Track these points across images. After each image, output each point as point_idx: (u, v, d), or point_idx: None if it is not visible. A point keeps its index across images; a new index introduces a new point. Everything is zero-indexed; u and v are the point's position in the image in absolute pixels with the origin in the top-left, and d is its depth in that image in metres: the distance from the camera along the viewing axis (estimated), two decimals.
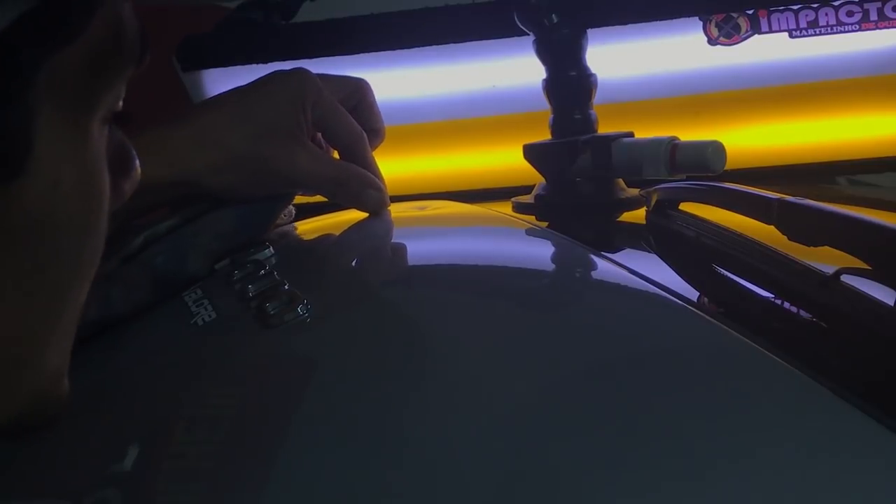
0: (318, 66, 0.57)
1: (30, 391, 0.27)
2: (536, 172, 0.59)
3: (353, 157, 0.56)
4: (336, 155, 0.57)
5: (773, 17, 0.65)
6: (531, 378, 0.34)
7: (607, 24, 0.64)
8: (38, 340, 0.26)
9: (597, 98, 0.58)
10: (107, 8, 0.25)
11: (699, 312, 0.36)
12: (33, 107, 0.23)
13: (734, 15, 0.65)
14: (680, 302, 0.37)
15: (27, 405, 0.27)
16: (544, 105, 0.58)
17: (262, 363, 0.42)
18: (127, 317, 0.50)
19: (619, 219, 0.56)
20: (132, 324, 0.52)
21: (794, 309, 0.40)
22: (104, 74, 0.26)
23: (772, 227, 0.41)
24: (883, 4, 0.63)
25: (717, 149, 0.49)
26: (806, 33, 0.65)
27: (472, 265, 0.50)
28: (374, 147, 0.58)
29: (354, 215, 0.60)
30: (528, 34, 0.57)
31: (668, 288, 0.39)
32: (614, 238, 0.57)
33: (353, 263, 0.53)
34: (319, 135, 0.56)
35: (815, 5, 0.64)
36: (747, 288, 0.43)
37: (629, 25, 0.65)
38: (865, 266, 0.36)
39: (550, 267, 0.49)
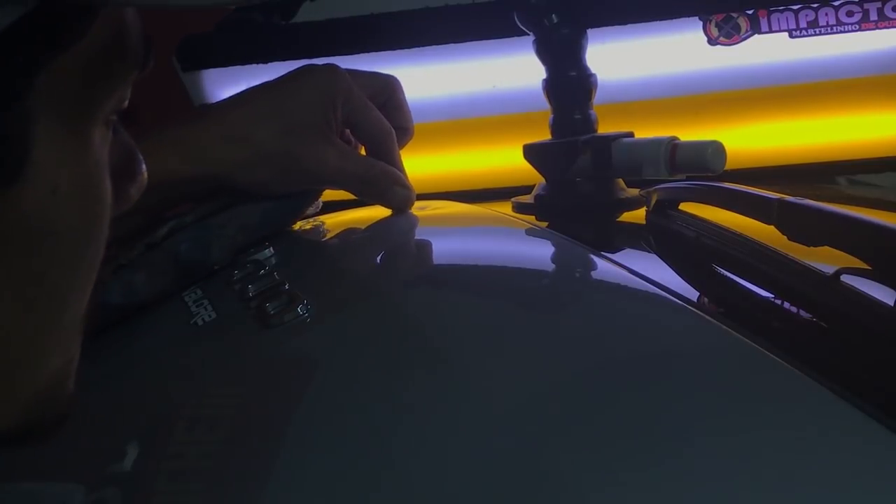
0: None
1: (31, 397, 0.27)
2: (536, 172, 0.59)
3: (380, 154, 0.56)
4: (363, 151, 0.57)
5: (773, 17, 0.65)
6: (531, 378, 0.34)
7: (607, 24, 0.64)
8: (40, 346, 0.26)
9: (597, 98, 0.58)
10: (108, 12, 0.25)
11: (699, 312, 0.36)
12: (32, 111, 0.23)
13: (734, 15, 0.65)
14: (680, 302, 0.37)
15: (29, 411, 0.27)
16: (544, 105, 0.58)
17: (261, 363, 0.42)
18: (149, 303, 0.51)
19: (619, 219, 0.56)
20: (132, 323, 0.52)
21: (794, 309, 0.40)
22: (105, 79, 0.26)
23: (772, 227, 0.41)
24: (883, 4, 0.63)
25: (717, 149, 0.49)
26: (806, 33, 0.65)
27: (472, 265, 0.50)
28: (402, 145, 0.58)
29: (354, 215, 0.60)
30: (528, 34, 0.57)
31: (668, 288, 0.39)
32: (614, 238, 0.57)
33: (354, 263, 0.53)
34: (348, 131, 0.57)
35: (815, 5, 0.64)
36: (747, 288, 0.43)
37: (629, 25, 0.65)
38: (865, 266, 0.36)
39: (550, 267, 0.49)
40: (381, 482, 0.31)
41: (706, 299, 0.41)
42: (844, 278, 0.37)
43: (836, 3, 0.64)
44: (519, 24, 0.56)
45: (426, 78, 0.69)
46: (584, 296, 0.44)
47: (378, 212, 0.59)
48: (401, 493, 0.30)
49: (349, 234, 0.57)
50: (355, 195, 0.57)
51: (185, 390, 0.42)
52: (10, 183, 0.23)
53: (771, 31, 0.65)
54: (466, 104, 0.70)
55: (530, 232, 0.52)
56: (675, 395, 0.31)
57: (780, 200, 0.40)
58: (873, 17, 0.63)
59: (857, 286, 0.37)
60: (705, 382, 0.32)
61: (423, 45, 0.68)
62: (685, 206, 0.51)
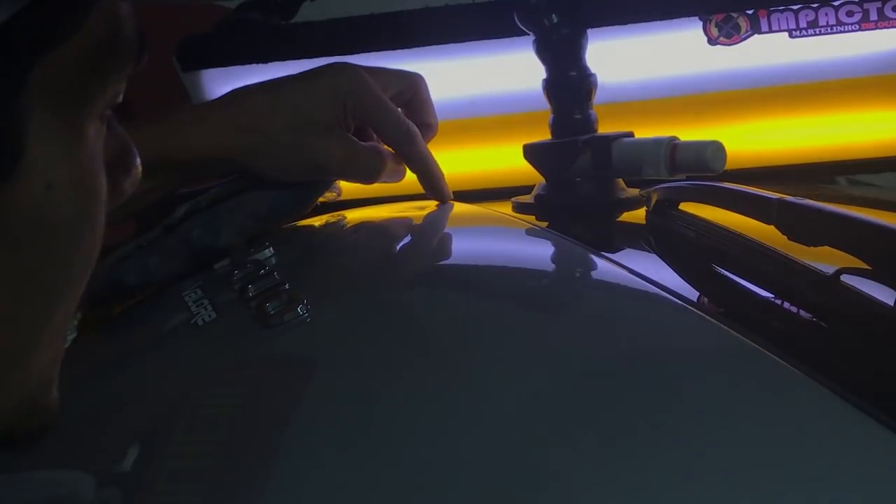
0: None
1: (19, 396, 0.27)
2: (536, 172, 0.59)
3: (401, 152, 0.58)
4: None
5: (773, 17, 0.65)
6: (531, 379, 0.34)
7: (607, 24, 0.64)
8: (30, 343, 0.26)
9: (597, 98, 0.58)
10: (103, 6, 0.25)
11: (699, 312, 0.36)
12: (26, 107, 0.23)
13: (734, 15, 0.65)
14: (680, 302, 0.37)
15: (16, 412, 0.27)
16: (544, 105, 0.58)
17: (261, 363, 0.42)
18: (163, 284, 0.53)
19: (619, 219, 0.56)
20: (133, 323, 0.52)
21: (794, 309, 0.40)
22: (100, 74, 0.25)
23: (772, 227, 0.41)
24: (883, 4, 0.63)
25: (717, 149, 0.49)
26: (806, 33, 0.65)
27: (472, 265, 0.50)
28: (426, 141, 0.59)
29: (354, 215, 0.60)
30: (528, 34, 0.57)
31: (668, 288, 0.39)
32: (614, 238, 0.57)
33: (353, 263, 0.53)
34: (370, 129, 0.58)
35: (815, 5, 0.64)
36: (747, 288, 0.43)
37: (629, 25, 0.65)
38: (865, 266, 0.36)
39: (550, 267, 0.49)
40: (381, 482, 0.31)
41: (706, 299, 0.41)
42: (844, 278, 0.37)
43: (836, 3, 0.64)
44: (519, 24, 0.56)
45: (426, 78, 0.69)
46: (584, 296, 0.44)
47: (378, 212, 0.59)
48: (401, 492, 0.30)
49: (349, 234, 0.57)
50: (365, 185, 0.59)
51: (186, 390, 0.42)
52: (5, 178, 0.23)
53: (771, 31, 0.65)
54: (466, 104, 0.70)
55: (530, 232, 0.52)
56: (675, 395, 0.31)
57: (780, 200, 0.40)
58: (873, 17, 0.63)
59: (857, 286, 0.37)
60: (705, 382, 0.32)
61: (423, 45, 0.68)
62: (685, 206, 0.51)
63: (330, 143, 0.55)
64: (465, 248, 0.53)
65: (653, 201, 0.52)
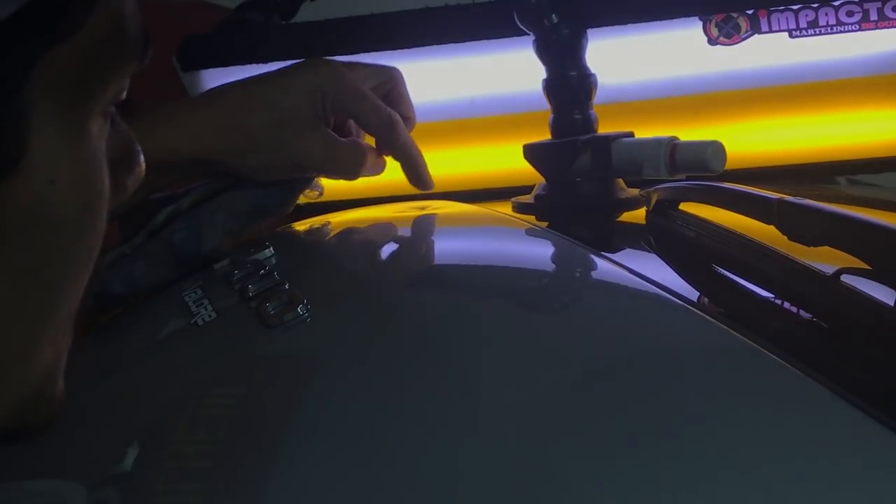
0: None
1: (24, 391, 0.27)
2: (536, 172, 0.59)
3: (384, 141, 0.57)
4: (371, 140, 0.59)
5: (773, 17, 0.65)
6: (531, 379, 0.34)
7: (607, 24, 0.64)
8: (32, 338, 0.26)
9: (597, 98, 0.58)
10: (107, 3, 0.25)
11: (699, 312, 0.36)
12: (29, 103, 0.23)
13: (734, 15, 0.65)
14: (680, 302, 0.37)
15: (20, 406, 0.27)
16: (544, 105, 0.58)
17: (261, 363, 0.42)
18: (150, 291, 0.53)
19: (619, 219, 0.56)
20: (133, 323, 0.52)
21: (794, 309, 0.40)
22: (103, 70, 0.25)
23: (772, 227, 0.41)
24: (883, 4, 0.63)
25: (717, 149, 0.49)
26: (806, 33, 0.64)
27: (472, 265, 0.50)
28: None
29: (354, 215, 0.60)
30: (528, 34, 0.57)
31: (668, 288, 0.39)
32: (614, 238, 0.57)
33: (353, 263, 0.53)
34: (351, 121, 0.58)
35: (815, 5, 0.64)
36: (747, 288, 0.43)
37: (629, 25, 0.65)
38: (865, 266, 0.36)
39: (550, 267, 0.49)
40: (381, 482, 0.31)
41: (706, 299, 0.41)
42: (844, 278, 0.37)
43: (836, 3, 0.63)
44: (519, 23, 0.56)
45: (426, 78, 0.69)
46: (584, 296, 0.44)
47: (378, 212, 0.59)
48: (401, 492, 0.30)
49: (349, 234, 0.57)
50: (347, 180, 0.58)
51: (186, 390, 0.42)
52: (7, 174, 0.23)
53: (771, 31, 0.65)
54: (466, 104, 0.70)
55: (530, 232, 0.52)
56: (675, 394, 0.31)
57: (780, 200, 0.40)
58: (873, 17, 0.63)
59: (857, 286, 0.37)
60: (705, 382, 0.32)
61: (423, 45, 0.68)
62: (685, 206, 0.51)
63: (309, 139, 0.55)
64: (465, 248, 0.53)
65: (653, 201, 0.52)
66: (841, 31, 0.64)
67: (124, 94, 0.27)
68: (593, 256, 0.45)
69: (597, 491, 0.28)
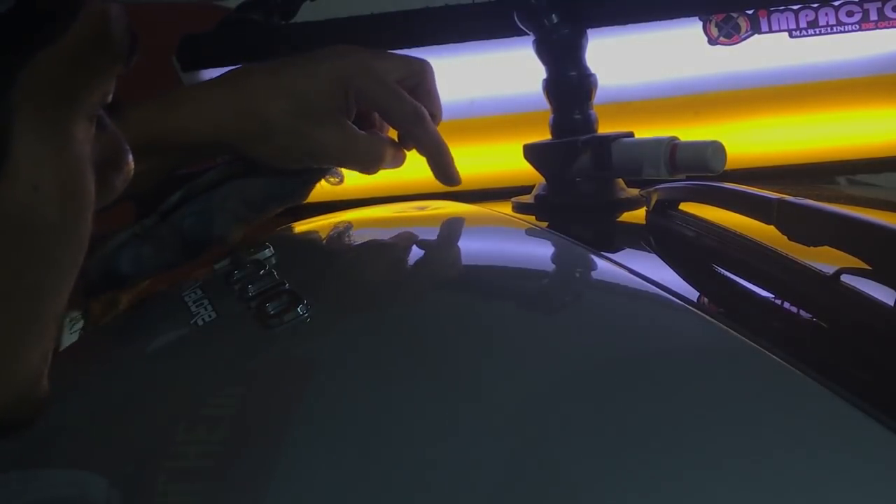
0: None
1: (6, 391, 0.27)
2: (536, 172, 0.59)
3: (409, 134, 0.56)
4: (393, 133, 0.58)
5: (773, 17, 0.65)
6: (531, 379, 0.34)
7: (607, 24, 0.64)
8: (17, 342, 0.26)
9: (597, 98, 0.58)
10: (91, 7, 0.24)
11: (699, 312, 0.36)
12: (12, 108, 0.23)
13: (734, 15, 0.65)
14: (680, 302, 0.37)
15: (6, 405, 0.27)
16: (544, 105, 0.58)
17: (262, 363, 0.42)
18: (155, 273, 0.53)
19: (619, 219, 0.56)
20: (133, 323, 0.52)
21: (794, 309, 0.40)
22: (88, 74, 0.25)
23: (772, 227, 0.41)
24: (883, 4, 0.63)
25: (717, 149, 0.49)
26: (806, 33, 0.64)
27: (472, 265, 0.50)
28: None
29: (354, 215, 0.60)
30: (528, 34, 0.57)
31: (668, 288, 0.39)
32: (614, 238, 0.57)
33: (353, 263, 0.53)
34: (376, 114, 0.57)
35: (815, 5, 0.64)
36: (747, 288, 0.43)
37: (629, 25, 0.65)
38: (865, 266, 0.36)
39: (550, 267, 0.49)
40: (381, 482, 0.31)
41: (706, 299, 0.41)
42: (844, 278, 0.37)
43: (836, 3, 0.64)
44: (519, 23, 0.56)
45: None
46: (583, 296, 0.44)
47: (378, 212, 0.59)
48: (400, 492, 0.30)
49: (349, 235, 0.57)
50: (364, 174, 0.57)
51: (186, 390, 0.42)
52: None
53: (771, 31, 0.65)
54: (466, 104, 0.70)
55: (530, 232, 0.52)
56: (675, 395, 0.31)
57: (780, 200, 0.40)
58: (873, 17, 0.63)
59: (857, 286, 0.37)
60: (705, 382, 0.32)
61: (423, 45, 0.68)
62: (685, 206, 0.51)
63: (327, 130, 0.53)
64: (465, 248, 0.53)
65: (653, 201, 0.52)
66: (841, 31, 0.64)
67: (110, 97, 0.27)
68: (593, 256, 0.45)
69: (597, 491, 0.28)
